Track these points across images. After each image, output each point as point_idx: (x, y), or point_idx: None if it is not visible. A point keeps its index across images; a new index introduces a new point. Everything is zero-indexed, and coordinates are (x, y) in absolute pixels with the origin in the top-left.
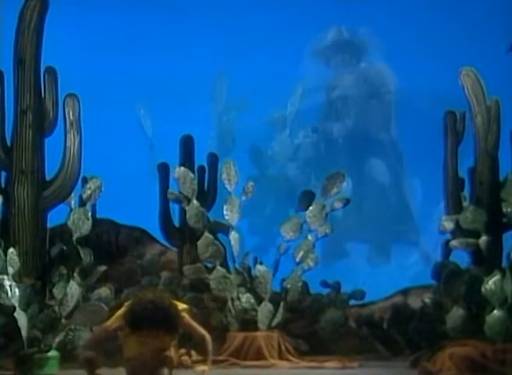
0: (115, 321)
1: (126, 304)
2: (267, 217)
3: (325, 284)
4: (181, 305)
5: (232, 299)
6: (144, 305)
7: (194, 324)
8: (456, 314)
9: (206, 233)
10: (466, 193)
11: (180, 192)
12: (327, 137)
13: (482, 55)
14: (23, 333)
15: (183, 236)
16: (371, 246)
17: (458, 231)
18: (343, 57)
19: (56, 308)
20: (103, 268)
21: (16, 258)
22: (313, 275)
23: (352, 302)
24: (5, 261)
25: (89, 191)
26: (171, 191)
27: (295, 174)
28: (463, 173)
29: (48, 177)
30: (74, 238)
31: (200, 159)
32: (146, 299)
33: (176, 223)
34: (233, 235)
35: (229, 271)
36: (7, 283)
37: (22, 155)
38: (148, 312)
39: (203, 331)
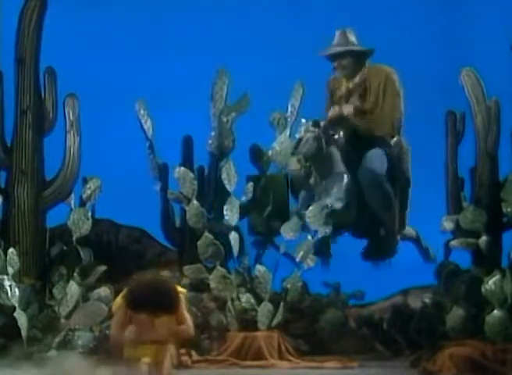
0: (118, 309)
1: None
2: (267, 217)
3: (325, 284)
4: (180, 289)
5: (232, 299)
6: (143, 288)
7: (186, 314)
8: (456, 314)
9: (206, 233)
10: (466, 193)
11: (180, 192)
12: (326, 135)
13: (482, 55)
14: (23, 333)
15: (183, 236)
16: (370, 246)
17: (458, 231)
18: (343, 57)
19: (56, 308)
20: (103, 268)
21: (15, 258)
22: (313, 275)
23: (352, 302)
24: (5, 261)
25: (89, 191)
26: (171, 191)
27: (295, 173)
28: (463, 173)
29: (47, 177)
30: (74, 238)
31: (200, 159)
32: (145, 281)
33: (176, 223)
34: (233, 235)
35: (229, 271)
36: (7, 283)
37: (22, 155)
38: (148, 294)
39: (190, 324)
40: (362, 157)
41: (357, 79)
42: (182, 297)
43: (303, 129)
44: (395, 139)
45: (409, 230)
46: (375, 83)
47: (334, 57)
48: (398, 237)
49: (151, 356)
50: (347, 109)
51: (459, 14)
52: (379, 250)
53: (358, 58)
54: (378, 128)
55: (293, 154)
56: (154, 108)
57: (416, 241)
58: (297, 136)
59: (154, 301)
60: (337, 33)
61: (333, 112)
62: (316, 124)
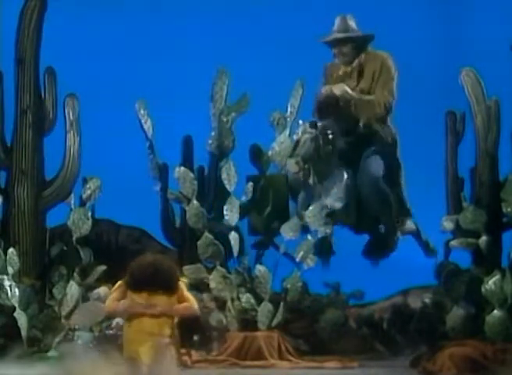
0: (116, 288)
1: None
2: (267, 217)
3: (325, 284)
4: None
5: (232, 299)
6: (143, 268)
7: (187, 294)
8: (456, 314)
9: (206, 233)
10: (466, 193)
11: (180, 192)
12: (326, 134)
13: (482, 55)
14: (23, 333)
15: (183, 236)
16: (371, 244)
17: (458, 231)
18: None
19: (56, 308)
20: (103, 268)
21: (15, 258)
22: (313, 275)
23: (352, 302)
24: (5, 261)
25: (89, 191)
26: (171, 191)
27: (294, 175)
28: (463, 173)
29: (48, 177)
30: (74, 238)
31: (200, 159)
32: (146, 262)
33: (176, 223)
34: (233, 235)
35: (229, 271)
36: (7, 283)
37: (22, 155)
38: (148, 274)
39: (193, 302)
40: (360, 157)
41: (354, 64)
42: (182, 282)
43: (300, 130)
44: (385, 128)
45: (409, 224)
46: (371, 67)
47: (334, 43)
48: (398, 234)
49: (152, 330)
50: (338, 89)
51: (459, 14)
52: (380, 247)
53: (359, 45)
54: (369, 109)
55: (291, 156)
56: (154, 108)
57: (416, 234)
58: (295, 137)
59: (154, 281)
60: (337, 20)
61: (324, 91)
62: (313, 125)
